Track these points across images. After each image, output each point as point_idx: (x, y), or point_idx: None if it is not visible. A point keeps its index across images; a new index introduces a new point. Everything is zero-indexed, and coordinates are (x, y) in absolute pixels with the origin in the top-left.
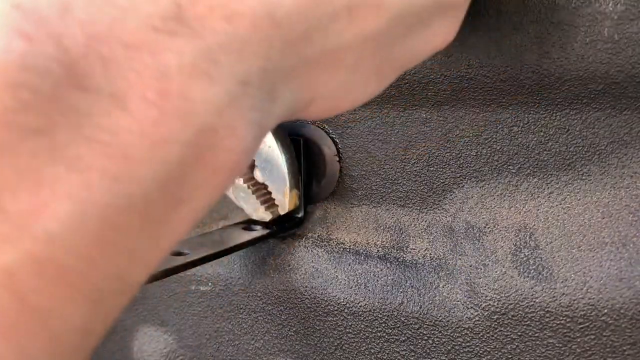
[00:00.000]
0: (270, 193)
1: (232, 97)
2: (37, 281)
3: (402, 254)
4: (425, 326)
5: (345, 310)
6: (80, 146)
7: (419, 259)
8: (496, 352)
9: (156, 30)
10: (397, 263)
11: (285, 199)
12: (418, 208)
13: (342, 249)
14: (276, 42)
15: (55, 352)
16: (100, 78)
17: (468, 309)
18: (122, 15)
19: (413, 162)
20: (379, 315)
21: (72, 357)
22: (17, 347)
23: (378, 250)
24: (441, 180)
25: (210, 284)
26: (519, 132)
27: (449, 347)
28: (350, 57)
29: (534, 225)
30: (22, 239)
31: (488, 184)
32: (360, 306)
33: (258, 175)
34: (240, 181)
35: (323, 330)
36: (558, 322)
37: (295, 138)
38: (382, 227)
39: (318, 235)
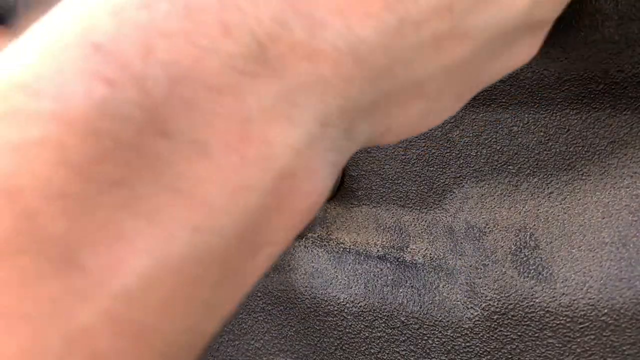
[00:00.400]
0: None
1: (312, 140)
2: (115, 341)
3: (402, 254)
4: (425, 326)
5: (345, 310)
6: (161, 197)
7: (419, 259)
8: (496, 352)
9: (238, 71)
10: (397, 263)
11: None
12: (418, 208)
13: (342, 249)
14: (357, 79)
15: None
16: (182, 123)
17: (468, 309)
18: (204, 55)
19: (413, 162)
20: (379, 315)
21: None
22: None
23: (378, 250)
24: (441, 180)
25: None
26: (519, 132)
27: (449, 347)
28: (432, 87)
29: (534, 225)
30: (101, 297)
31: (488, 184)
32: (360, 306)
33: None
34: None
35: (323, 330)
36: (558, 322)
37: None
38: (382, 227)
39: (318, 235)
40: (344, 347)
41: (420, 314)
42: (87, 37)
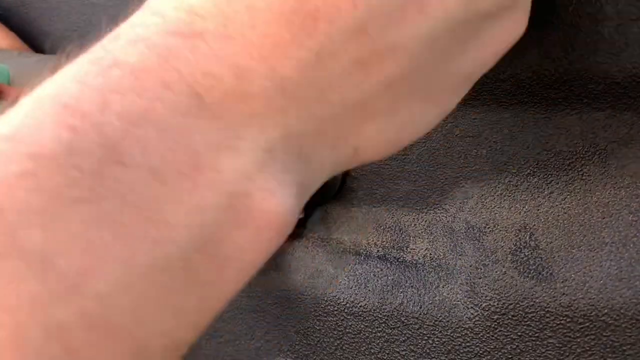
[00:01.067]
0: None
1: (261, 164)
2: (88, 336)
3: (402, 254)
4: (425, 326)
5: (345, 310)
6: (124, 214)
7: (419, 259)
8: (496, 352)
9: (182, 114)
10: (397, 263)
11: None
12: (418, 208)
13: (342, 249)
14: (291, 110)
15: None
16: (138, 156)
17: (468, 309)
18: (152, 105)
19: (413, 162)
20: (379, 315)
21: None
22: None
23: (378, 250)
24: (441, 180)
25: None
26: (519, 132)
27: (449, 347)
28: (381, 103)
29: (534, 225)
30: (76, 297)
31: (488, 184)
32: (360, 306)
33: None
34: None
35: (323, 330)
36: (558, 322)
37: None
38: (382, 227)
39: (318, 235)
40: (344, 347)
41: (420, 314)
42: (58, 98)
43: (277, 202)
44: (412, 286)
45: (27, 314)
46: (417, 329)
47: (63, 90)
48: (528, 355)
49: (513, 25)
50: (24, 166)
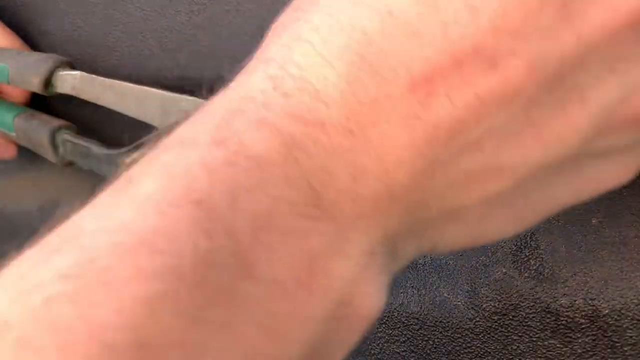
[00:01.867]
0: None
1: (362, 268)
2: None
3: None
4: (425, 327)
5: None
6: (252, 334)
7: (419, 259)
8: (497, 352)
9: (302, 215)
10: None
11: None
12: None
13: None
14: (394, 213)
15: None
16: (265, 266)
17: (468, 309)
18: (277, 205)
19: None
20: (379, 316)
21: None
22: None
23: None
24: None
25: None
26: None
27: (450, 348)
28: (473, 215)
29: (534, 225)
30: None
31: None
32: None
33: None
34: None
35: None
36: (558, 322)
37: None
38: None
39: None
40: None
41: (420, 314)
42: (190, 194)
43: (373, 305)
44: (412, 286)
45: None
46: (418, 330)
47: (194, 181)
48: (528, 356)
49: (623, 169)
50: (166, 286)
